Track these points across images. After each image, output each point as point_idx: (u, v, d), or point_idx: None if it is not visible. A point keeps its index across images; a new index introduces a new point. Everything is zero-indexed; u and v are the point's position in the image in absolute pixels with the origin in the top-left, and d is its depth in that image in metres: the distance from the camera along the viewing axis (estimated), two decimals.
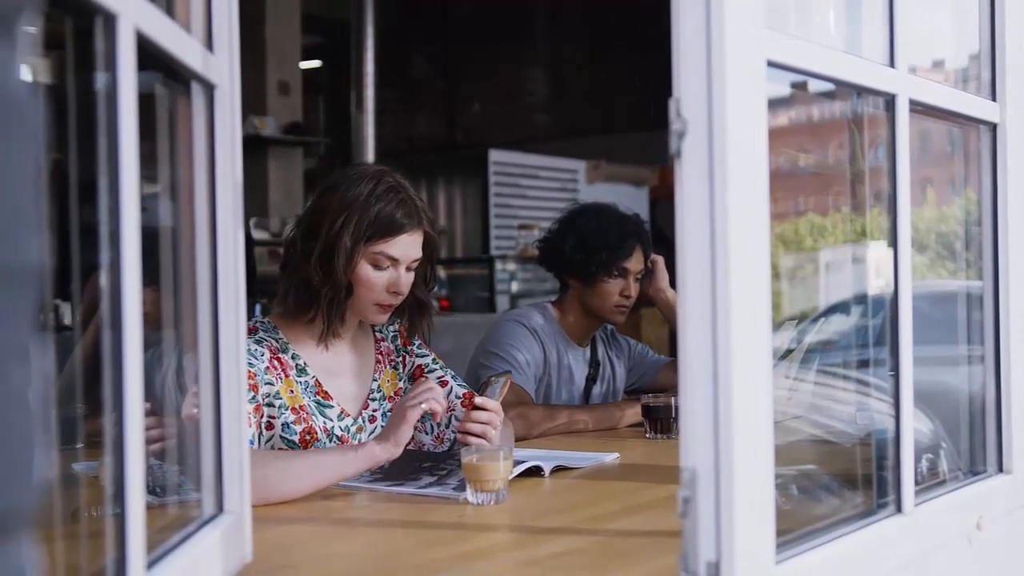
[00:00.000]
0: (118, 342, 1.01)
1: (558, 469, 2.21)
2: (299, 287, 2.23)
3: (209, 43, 1.37)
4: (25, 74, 0.61)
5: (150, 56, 1.11)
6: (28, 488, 0.57)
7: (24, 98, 0.59)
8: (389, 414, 2.35)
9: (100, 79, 1.02)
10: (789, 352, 1.96)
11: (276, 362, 2.21)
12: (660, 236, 3.26)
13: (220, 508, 1.39)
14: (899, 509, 1.53)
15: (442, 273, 7.93)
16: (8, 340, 0.56)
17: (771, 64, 1.27)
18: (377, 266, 2.22)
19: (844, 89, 1.63)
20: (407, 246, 2.23)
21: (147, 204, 1.11)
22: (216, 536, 1.31)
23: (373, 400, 2.37)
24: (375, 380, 2.39)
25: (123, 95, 1.01)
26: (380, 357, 2.42)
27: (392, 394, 2.40)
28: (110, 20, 1.00)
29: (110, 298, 1.00)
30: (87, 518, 1.29)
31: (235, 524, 1.40)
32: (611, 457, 2.38)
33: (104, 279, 1.02)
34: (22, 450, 0.56)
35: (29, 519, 0.58)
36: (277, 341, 2.25)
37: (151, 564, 1.10)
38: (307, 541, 1.72)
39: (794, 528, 1.36)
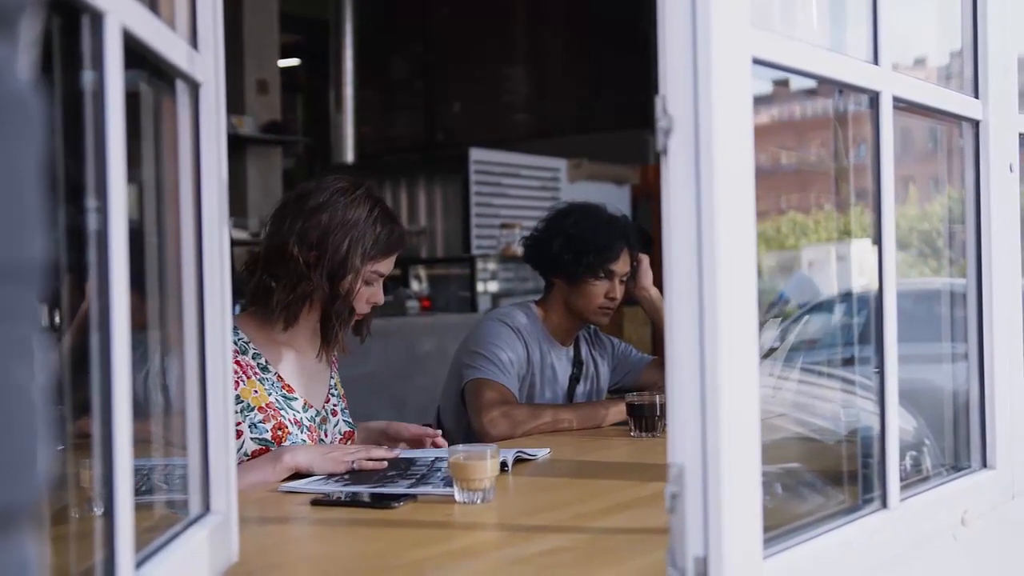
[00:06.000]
0: (106, 343, 1.00)
1: (519, 461, 2.26)
2: (300, 299, 2.27)
3: (194, 41, 1.36)
4: (27, 72, 0.61)
5: (134, 54, 1.10)
6: (32, 484, 0.57)
7: (27, 96, 0.60)
8: (346, 410, 2.48)
9: (86, 77, 1.01)
10: (773, 350, 1.96)
11: (235, 365, 2.22)
12: (642, 235, 3.26)
13: (207, 508, 1.38)
14: (884, 504, 1.53)
15: (423, 273, 7.93)
16: (12, 335, 0.56)
17: (757, 61, 1.27)
18: (368, 283, 2.31)
19: (826, 87, 1.64)
20: (393, 262, 2.36)
21: (130, 203, 1.11)
22: (203, 536, 1.31)
23: (333, 395, 2.45)
24: (332, 378, 2.47)
25: (110, 93, 1.01)
26: (333, 358, 2.50)
27: (341, 395, 2.50)
28: (97, 18, 0.99)
29: (98, 300, 1.00)
30: (70, 518, 1.29)
31: (222, 524, 1.39)
32: (543, 452, 2.39)
33: (91, 280, 1.01)
34: (26, 445, 0.57)
35: (33, 515, 0.58)
36: (236, 343, 2.26)
37: (139, 564, 1.09)
38: (293, 541, 1.71)
39: (782, 524, 1.36)
